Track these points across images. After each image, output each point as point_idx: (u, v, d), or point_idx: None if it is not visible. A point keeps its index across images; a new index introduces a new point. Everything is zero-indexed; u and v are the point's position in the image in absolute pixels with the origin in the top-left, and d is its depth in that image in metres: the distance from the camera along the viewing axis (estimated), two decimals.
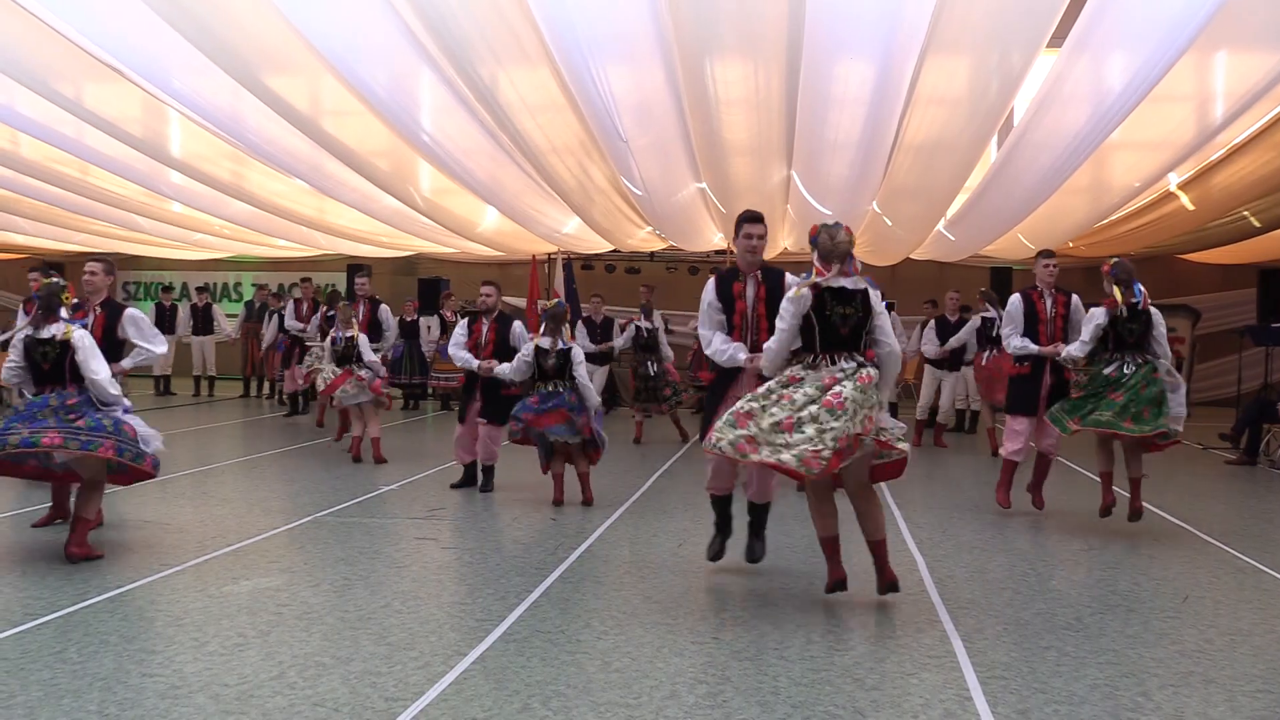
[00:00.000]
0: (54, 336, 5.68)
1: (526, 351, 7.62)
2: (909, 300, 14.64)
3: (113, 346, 6.33)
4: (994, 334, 10.61)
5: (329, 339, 9.89)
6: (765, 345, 4.98)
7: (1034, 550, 6.46)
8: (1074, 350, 6.96)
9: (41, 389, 5.69)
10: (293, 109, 9.28)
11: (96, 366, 5.69)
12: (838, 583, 5.05)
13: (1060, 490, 8.23)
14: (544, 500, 7.67)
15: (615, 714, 3.61)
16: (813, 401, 4.63)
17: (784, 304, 4.86)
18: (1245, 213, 12.32)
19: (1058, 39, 7.31)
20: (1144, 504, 6.93)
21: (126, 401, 5.90)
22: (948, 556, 6.14)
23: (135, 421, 5.80)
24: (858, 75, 7.82)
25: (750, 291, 5.32)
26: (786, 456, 4.56)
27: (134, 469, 5.67)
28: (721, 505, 5.62)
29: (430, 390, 15.48)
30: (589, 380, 7.72)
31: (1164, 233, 13.63)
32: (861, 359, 4.81)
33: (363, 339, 9.65)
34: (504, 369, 7.70)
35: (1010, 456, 7.40)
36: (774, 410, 4.69)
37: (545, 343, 7.58)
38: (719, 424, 4.84)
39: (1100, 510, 6.99)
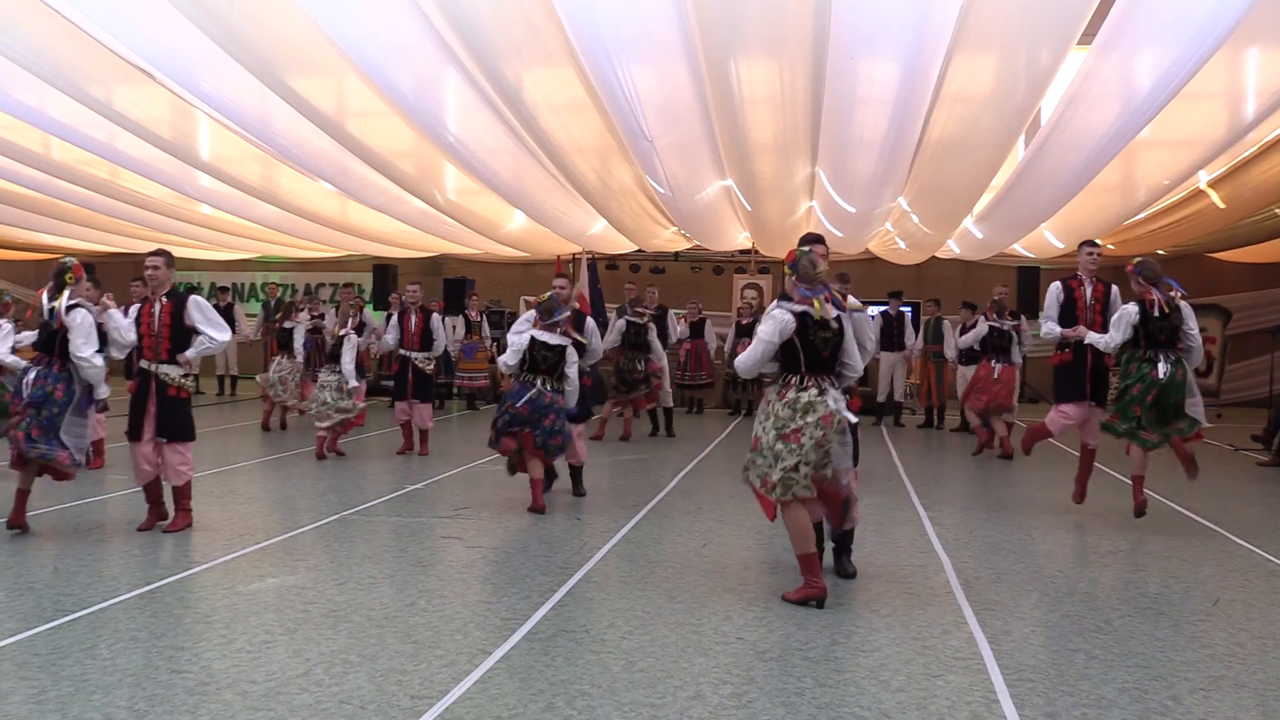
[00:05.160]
0: (54, 308, 6.25)
1: (521, 343, 7.39)
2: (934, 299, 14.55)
3: (181, 335, 6.45)
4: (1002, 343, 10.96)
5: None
6: (740, 355, 5.14)
7: (1061, 551, 6.40)
8: (1100, 340, 6.93)
9: (38, 359, 6.34)
10: (318, 110, 9.34)
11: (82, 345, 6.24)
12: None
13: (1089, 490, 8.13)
14: (570, 501, 7.69)
15: (640, 714, 3.61)
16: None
17: (765, 322, 5.02)
18: (1277, 211, 12.18)
19: (1087, 36, 7.24)
20: (1144, 500, 6.96)
21: (105, 390, 6.55)
22: (974, 558, 6.10)
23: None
24: (883, 74, 7.77)
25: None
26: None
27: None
28: None
29: (455, 390, 15.58)
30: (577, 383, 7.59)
31: (1194, 231, 13.50)
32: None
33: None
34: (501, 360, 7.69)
35: (1048, 425, 7.35)
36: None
37: (542, 336, 7.36)
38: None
39: (1134, 511, 6.93)
